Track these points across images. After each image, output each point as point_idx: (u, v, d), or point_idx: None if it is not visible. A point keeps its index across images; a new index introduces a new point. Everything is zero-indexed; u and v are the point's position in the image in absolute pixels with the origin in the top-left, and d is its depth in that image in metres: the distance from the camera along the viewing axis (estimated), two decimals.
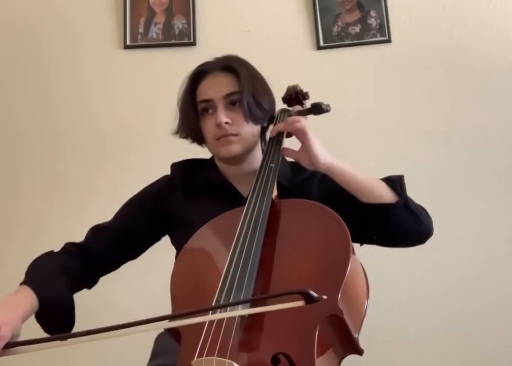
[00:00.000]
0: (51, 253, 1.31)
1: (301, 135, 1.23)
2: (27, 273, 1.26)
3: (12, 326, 1.06)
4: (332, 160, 1.24)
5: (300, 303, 0.83)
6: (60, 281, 1.24)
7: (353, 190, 1.24)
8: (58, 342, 0.90)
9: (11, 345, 1.00)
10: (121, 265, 1.41)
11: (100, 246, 1.36)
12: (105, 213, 1.43)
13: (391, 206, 1.21)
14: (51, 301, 1.19)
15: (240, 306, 0.96)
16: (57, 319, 1.21)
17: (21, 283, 1.21)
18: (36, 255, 1.32)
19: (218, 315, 0.95)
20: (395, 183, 1.25)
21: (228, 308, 0.97)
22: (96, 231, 1.40)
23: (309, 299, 0.82)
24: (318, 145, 1.23)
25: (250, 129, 1.32)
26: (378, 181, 1.26)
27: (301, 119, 1.27)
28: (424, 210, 1.28)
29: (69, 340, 0.90)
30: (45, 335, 1.19)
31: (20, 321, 1.11)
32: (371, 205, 1.21)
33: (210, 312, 0.96)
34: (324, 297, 0.83)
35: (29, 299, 1.17)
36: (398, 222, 1.22)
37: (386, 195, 1.23)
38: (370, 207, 1.21)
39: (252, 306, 0.93)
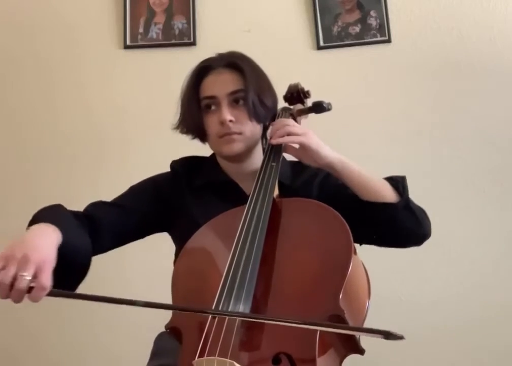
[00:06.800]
0: (60, 205, 1.19)
1: (297, 140, 1.22)
2: (42, 214, 1.13)
3: (51, 266, 0.95)
4: (334, 156, 1.23)
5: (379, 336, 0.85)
6: (84, 233, 1.16)
7: (355, 187, 1.23)
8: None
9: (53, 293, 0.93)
10: (120, 243, 1.33)
11: (103, 217, 1.26)
12: None
13: (392, 206, 1.21)
14: (73, 250, 1.07)
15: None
16: (68, 273, 1.06)
17: (32, 223, 1.08)
18: None
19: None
20: (397, 183, 1.24)
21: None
22: (97, 205, 1.31)
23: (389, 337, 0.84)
24: (315, 143, 1.21)
25: (253, 128, 1.32)
26: (381, 179, 1.26)
27: (287, 127, 1.24)
28: (424, 212, 1.28)
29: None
30: None
31: (56, 251, 0.99)
32: (372, 204, 1.21)
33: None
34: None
35: (56, 233, 1.04)
36: (399, 222, 1.22)
37: (388, 194, 1.22)
38: (371, 206, 1.21)
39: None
